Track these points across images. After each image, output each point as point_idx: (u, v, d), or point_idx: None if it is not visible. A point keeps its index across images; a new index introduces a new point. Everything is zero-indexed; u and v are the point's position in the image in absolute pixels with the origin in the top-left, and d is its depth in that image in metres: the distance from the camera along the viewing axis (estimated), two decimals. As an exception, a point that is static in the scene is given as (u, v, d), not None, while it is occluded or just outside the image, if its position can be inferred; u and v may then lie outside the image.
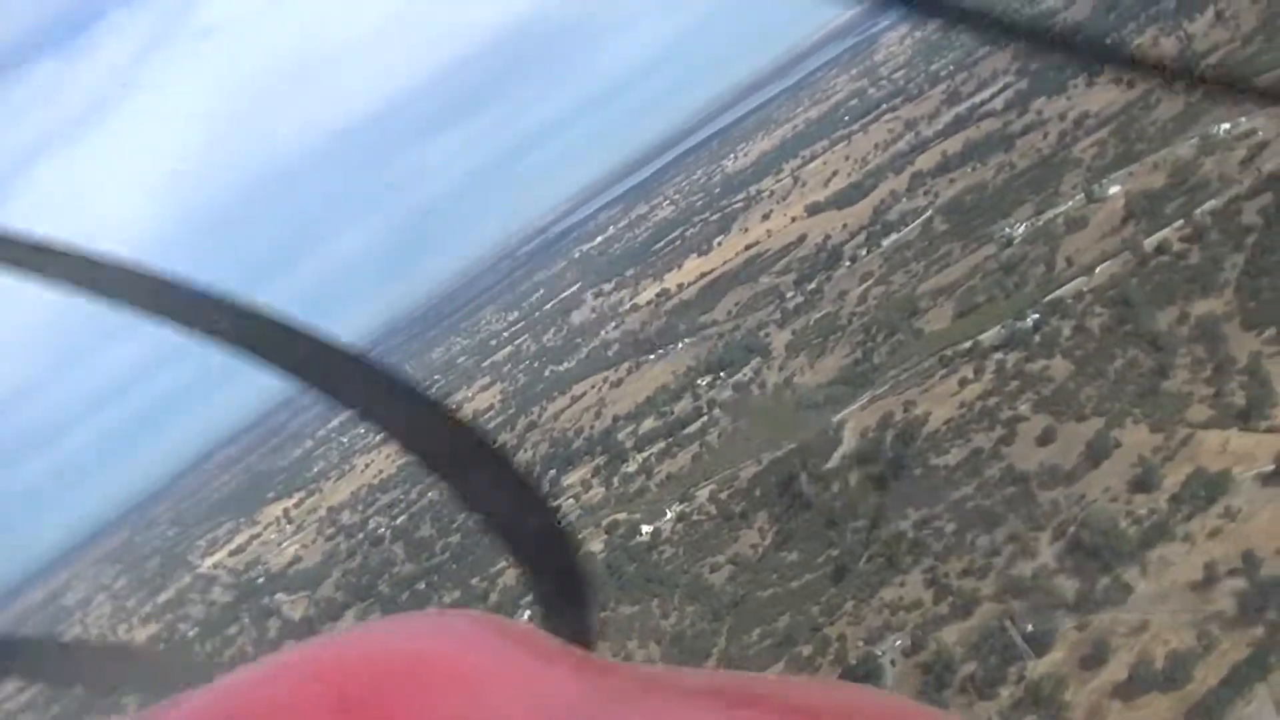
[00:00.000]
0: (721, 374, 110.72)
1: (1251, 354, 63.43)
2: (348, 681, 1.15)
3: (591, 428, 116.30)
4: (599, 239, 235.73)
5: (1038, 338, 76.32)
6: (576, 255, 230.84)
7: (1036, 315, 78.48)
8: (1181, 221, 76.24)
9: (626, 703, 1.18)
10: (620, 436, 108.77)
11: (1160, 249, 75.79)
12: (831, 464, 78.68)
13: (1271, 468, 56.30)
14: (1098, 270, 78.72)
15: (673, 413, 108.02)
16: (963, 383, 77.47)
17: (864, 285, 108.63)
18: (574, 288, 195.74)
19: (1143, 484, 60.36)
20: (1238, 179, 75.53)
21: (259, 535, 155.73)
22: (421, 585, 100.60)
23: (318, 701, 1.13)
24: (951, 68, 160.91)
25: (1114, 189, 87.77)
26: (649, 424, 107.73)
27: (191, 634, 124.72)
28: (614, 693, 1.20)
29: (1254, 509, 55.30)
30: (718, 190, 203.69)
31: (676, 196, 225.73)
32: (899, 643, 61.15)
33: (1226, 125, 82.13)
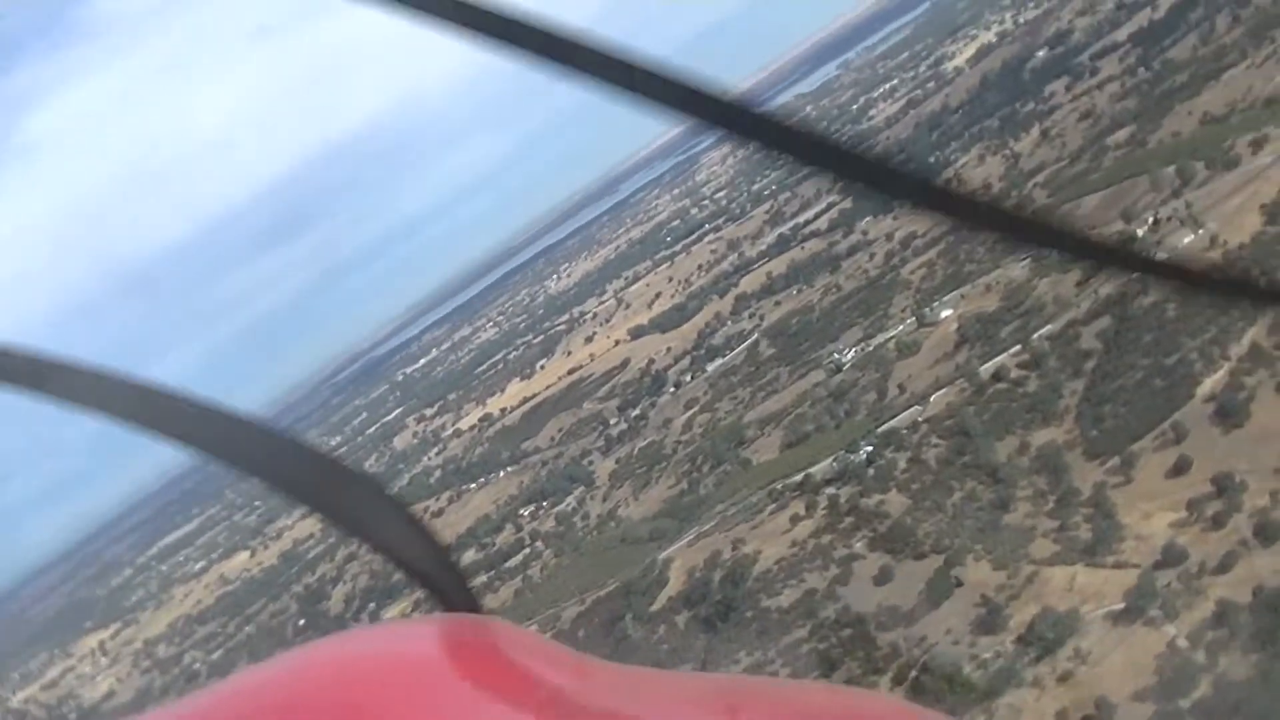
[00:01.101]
0: (544, 504, 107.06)
1: (1095, 485, 61.02)
2: (342, 685, 1.16)
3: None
4: (422, 361, 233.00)
5: (872, 471, 73.16)
6: (400, 378, 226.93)
7: (870, 447, 75.45)
8: (1018, 347, 74.16)
9: (620, 704, 1.20)
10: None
11: (997, 376, 73.53)
12: (658, 605, 74.36)
13: (1121, 606, 53.43)
14: (932, 399, 76.16)
15: (494, 544, 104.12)
16: (794, 519, 73.81)
17: (689, 412, 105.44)
18: (396, 412, 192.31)
19: (987, 625, 56.95)
20: (1074, 302, 73.77)
21: (73, 668, 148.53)
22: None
23: (312, 706, 1.14)
24: (774, 187, 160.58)
25: (945, 312, 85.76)
26: (470, 555, 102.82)
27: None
28: (608, 694, 1.21)
29: (1105, 650, 52.31)
30: (541, 312, 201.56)
31: (500, 318, 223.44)
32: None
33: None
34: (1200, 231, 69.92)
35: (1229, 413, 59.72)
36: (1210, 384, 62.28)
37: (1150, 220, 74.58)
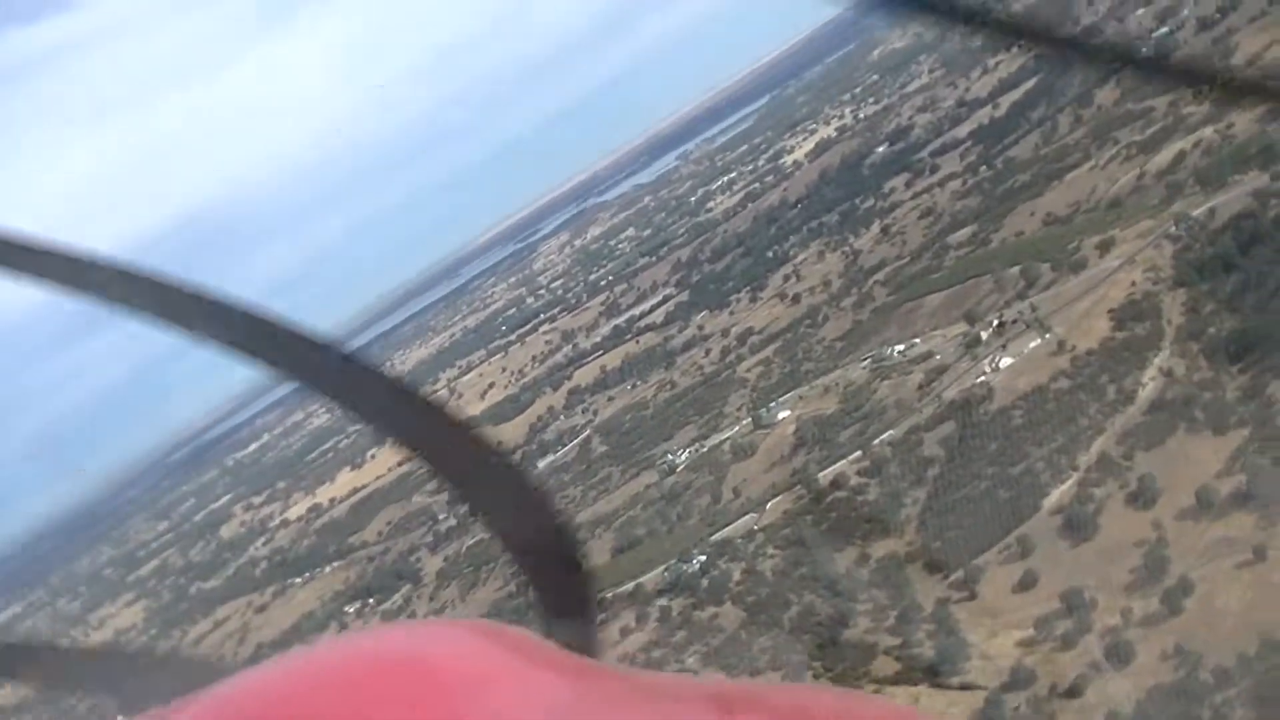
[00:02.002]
0: (370, 601, 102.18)
1: (938, 600, 58.03)
2: (347, 688, 1.19)
3: (235, 657, 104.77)
4: (253, 446, 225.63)
5: (705, 582, 69.50)
6: (230, 463, 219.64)
7: (703, 556, 71.83)
8: (858, 453, 71.24)
9: (622, 707, 1.24)
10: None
11: (836, 483, 70.42)
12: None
13: (971, 730, 50.67)
14: (768, 506, 72.81)
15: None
16: (624, 631, 69.67)
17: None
18: (225, 499, 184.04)
19: (825, 750, 53.26)
20: (916, 407, 71.22)
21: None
22: None
23: (317, 708, 1.17)
24: (611, 278, 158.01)
25: (783, 414, 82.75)
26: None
27: None
28: (610, 698, 1.25)
29: (953, 779, 49.54)
30: None
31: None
32: None
33: (900, 347, 78.42)
34: (1047, 336, 67.92)
35: (1077, 526, 57.53)
36: (1058, 495, 60.04)
37: (995, 323, 72.52)
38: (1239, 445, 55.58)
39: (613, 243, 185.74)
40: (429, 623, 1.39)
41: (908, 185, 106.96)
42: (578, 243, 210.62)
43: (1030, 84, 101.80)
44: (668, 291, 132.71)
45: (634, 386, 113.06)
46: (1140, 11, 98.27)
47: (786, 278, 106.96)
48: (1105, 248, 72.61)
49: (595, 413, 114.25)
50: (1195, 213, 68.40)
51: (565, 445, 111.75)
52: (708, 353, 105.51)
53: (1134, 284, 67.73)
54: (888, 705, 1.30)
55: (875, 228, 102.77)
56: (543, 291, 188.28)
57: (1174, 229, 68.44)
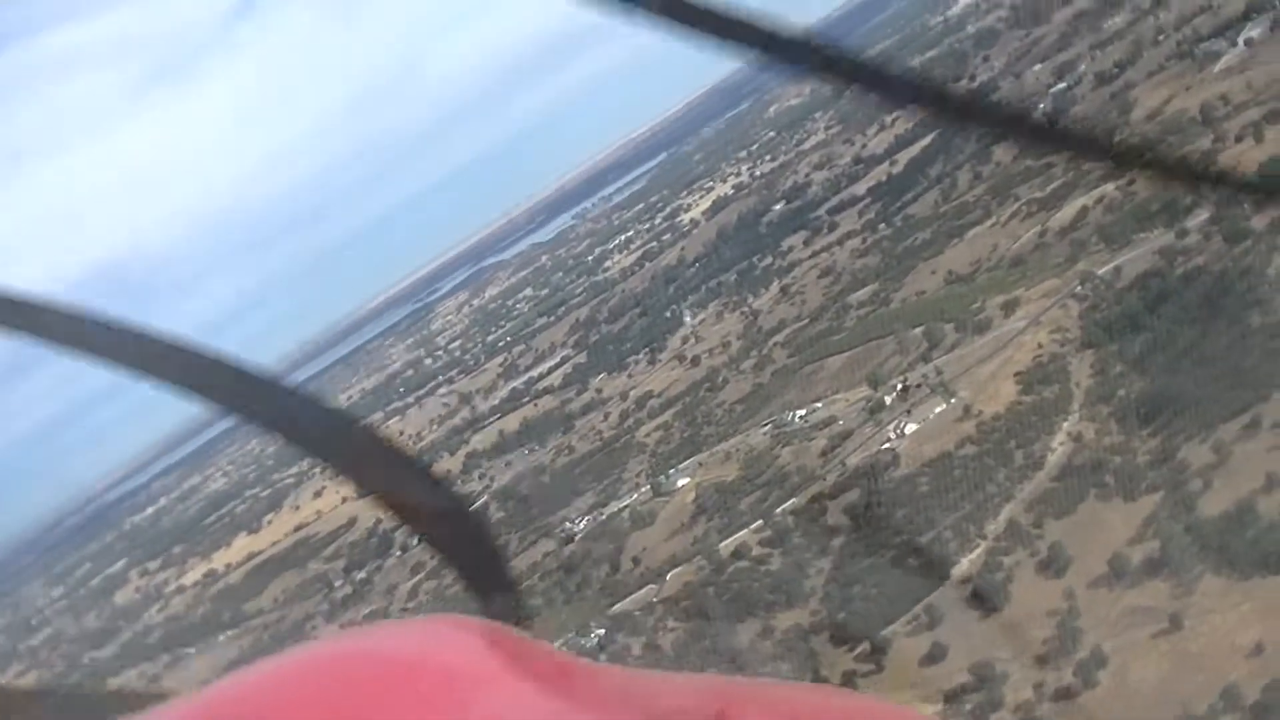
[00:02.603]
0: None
1: (844, 674, 55.73)
2: (336, 686, 1.20)
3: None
4: (150, 510, 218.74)
5: (604, 657, 66.67)
6: (127, 527, 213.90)
7: (602, 630, 69.19)
8: (760, 522, 68.93)
9: (616, 705, 1.24)
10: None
11: (737, 553, 68.04)
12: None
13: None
14: (669, 577, 70.27)
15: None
16: (519, 713, 66.84)
17: (415, 578, 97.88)
18: (120, 564, 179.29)
19: (726, 837, 50.66)
20: (819, 474, 69.05)
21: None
22: None
23: (306, 706, 1.17)
24: (509, 339, 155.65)
25: (682, 481, 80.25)
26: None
27: None
28: (604, 695, 1.26)
29: None
30: (271, 462, 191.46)
31: (230, 467, 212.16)
32: None
33: (801, 411, 76.27)
34: (952, 400, 66.07)
35: (987, 595, 55.60)
36: (966, 564, 58.16)
37: (899, 387, 70.60)
38: (1151, 511, 54.25)
39: (510, 302, 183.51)
40: (423, 620, 1.38)
41: (806, 243, 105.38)
42: (476, 302, 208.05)
43: (927, 140, 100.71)
44: (565, 353, 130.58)
45: (531, 451, 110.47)
46: (1038, 67, 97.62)
47: (685, 339, 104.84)
48: (1010, 308, 71.09)
49: (492, 479, 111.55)
50: (1100, 271, 67.12)
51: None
52: (606, 416, 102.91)
53: (1040, 345, 66.22)
54: (885, 705, 1.31)
55: (774, 287, 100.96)
56: (440, 353, 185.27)
57: (1079, 288, 67.06)
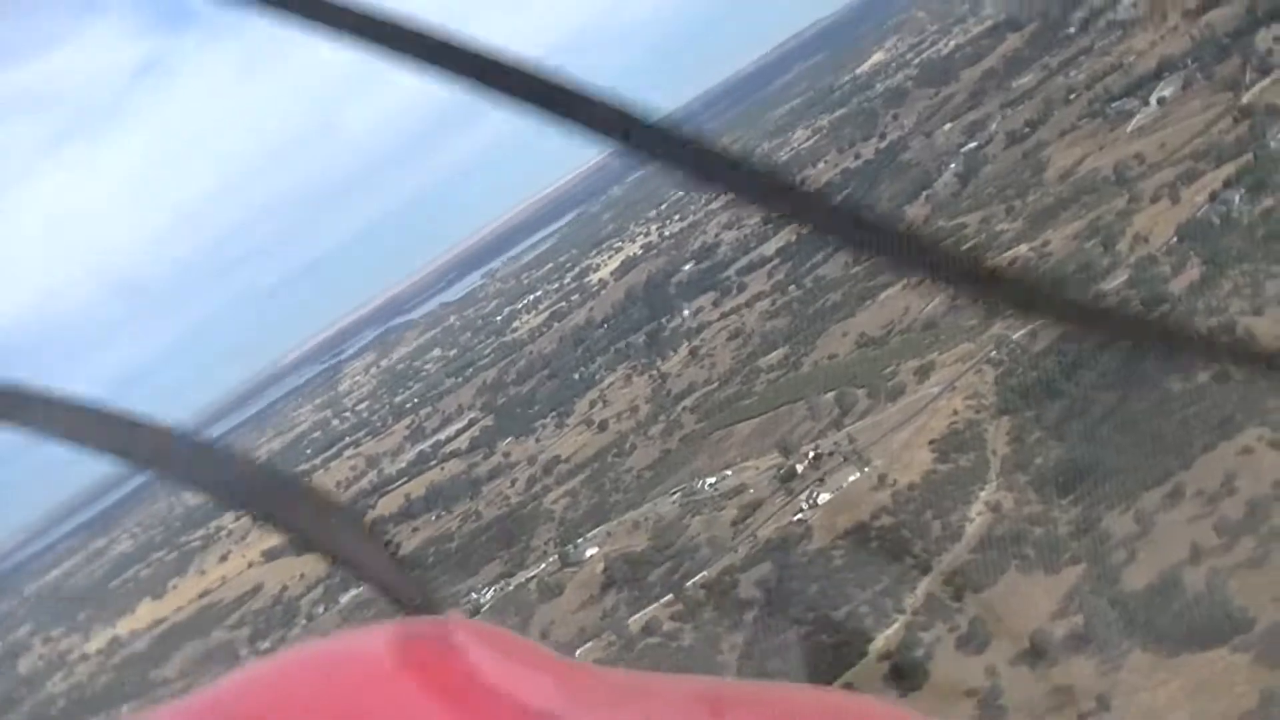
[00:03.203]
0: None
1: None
2: (317, 690, 1.20)
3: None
4: (55, 573, 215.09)
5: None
6: (30, 591, 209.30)
7: (507, 712, 65.77)
8: (671, 595, 66.11)
9: (606, 707, 1.24)
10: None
11: (648, 628, 65.13)
12: None
13: None
14: (578, 653, 67.10)
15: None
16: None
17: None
18: (23, 630, 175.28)
19: None
20: (731, 545, 66.40)
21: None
22: None
23: (296, 708, 1.17)
24: (416, 400, 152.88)
25: (591, 550, 77.35)
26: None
27: None
28: (598, 697, 1.25)
29: None
30: (178, 524, 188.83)
31: (137, 529, 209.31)
32: None
33: (711, 479, 73.69)
34: (866, 469, 63.64)
35: (906, 672, 52.88)
36: (884, 640, 55.42)
37: (810, 454, 68.12)
38: (1074, 584, 51.94)
39: (419, 363, 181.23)
40: (407, 621, 1.39)
41: (715, 304, 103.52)
42: (384, 363, 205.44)
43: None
44: (473, 415, 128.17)
45: (438, 517, 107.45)
46: (948, 126, 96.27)
47: (593, 403, 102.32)
48: (923, 373, 68.96)
49: (399, 545, 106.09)
50: (1015, 336, 65.07)
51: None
52: (513, 482, 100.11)
53: (955, 412, 64.04)
54: (880, 704, 1.30)
55: (683, 350, 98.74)
56: (348, 414, 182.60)
57: (994, 353, 64.98)
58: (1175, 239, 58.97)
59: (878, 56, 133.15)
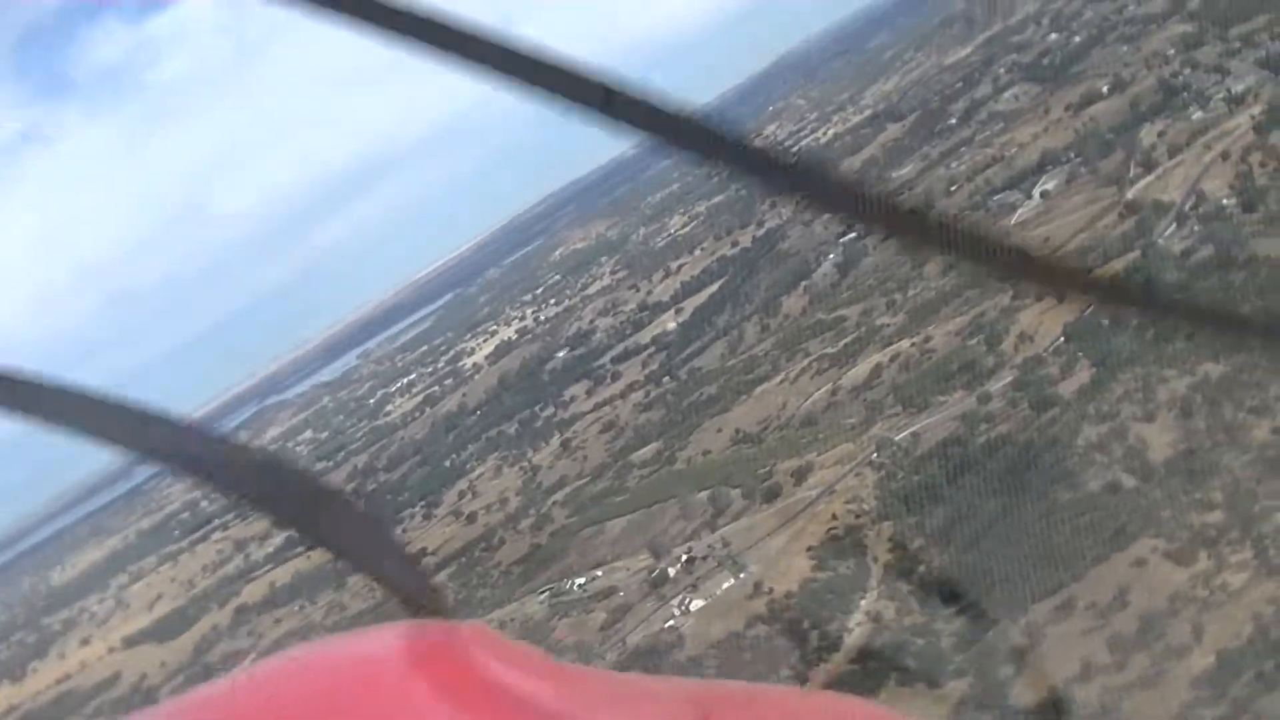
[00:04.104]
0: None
1: None
2: (324, 690, 1.19)
3: None
4: None
5: None
6: None
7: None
8: (536, 706, 61.61)
9: (601, 710, 1.24)
10: None
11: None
12: None
13: None
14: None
15: None
16: None
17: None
18: None
19: None
20: (599, 651, 62.16)
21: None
22: None
23: (303, 707, 1.17)
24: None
25: (455, 652, 72.79)
26: None
27: None
28: (589, 700, 1.25)
29: None
30: (42, 604, 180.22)
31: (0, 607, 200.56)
32: None
33: (580, 579, 69.43)
34: (741, 575, 59.74)
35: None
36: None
37: (683, 558, 64.11)
38: (958, 699, 48.48)
39: (290, 444, 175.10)
40: (404, 625, 1.38)
41: (589, 394, 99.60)
42: (256, 443, 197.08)
43: (714, 287, 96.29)
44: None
45: (302, 608, 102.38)
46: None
47: (462, 494, 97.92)
48: (801, 475, 65.20)
49: (260, 636, 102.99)
50: (897, 437, 61.58)
51: (228, 670, 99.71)
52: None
53: (835, 517, 60.33)
54: (870, 707, 1.31)
55: (555, 441, 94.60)
56: (217, 495, 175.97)
57: (875, 455, 61.49)
58: (1062, 339, 56.24)
59: (756, 144, 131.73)
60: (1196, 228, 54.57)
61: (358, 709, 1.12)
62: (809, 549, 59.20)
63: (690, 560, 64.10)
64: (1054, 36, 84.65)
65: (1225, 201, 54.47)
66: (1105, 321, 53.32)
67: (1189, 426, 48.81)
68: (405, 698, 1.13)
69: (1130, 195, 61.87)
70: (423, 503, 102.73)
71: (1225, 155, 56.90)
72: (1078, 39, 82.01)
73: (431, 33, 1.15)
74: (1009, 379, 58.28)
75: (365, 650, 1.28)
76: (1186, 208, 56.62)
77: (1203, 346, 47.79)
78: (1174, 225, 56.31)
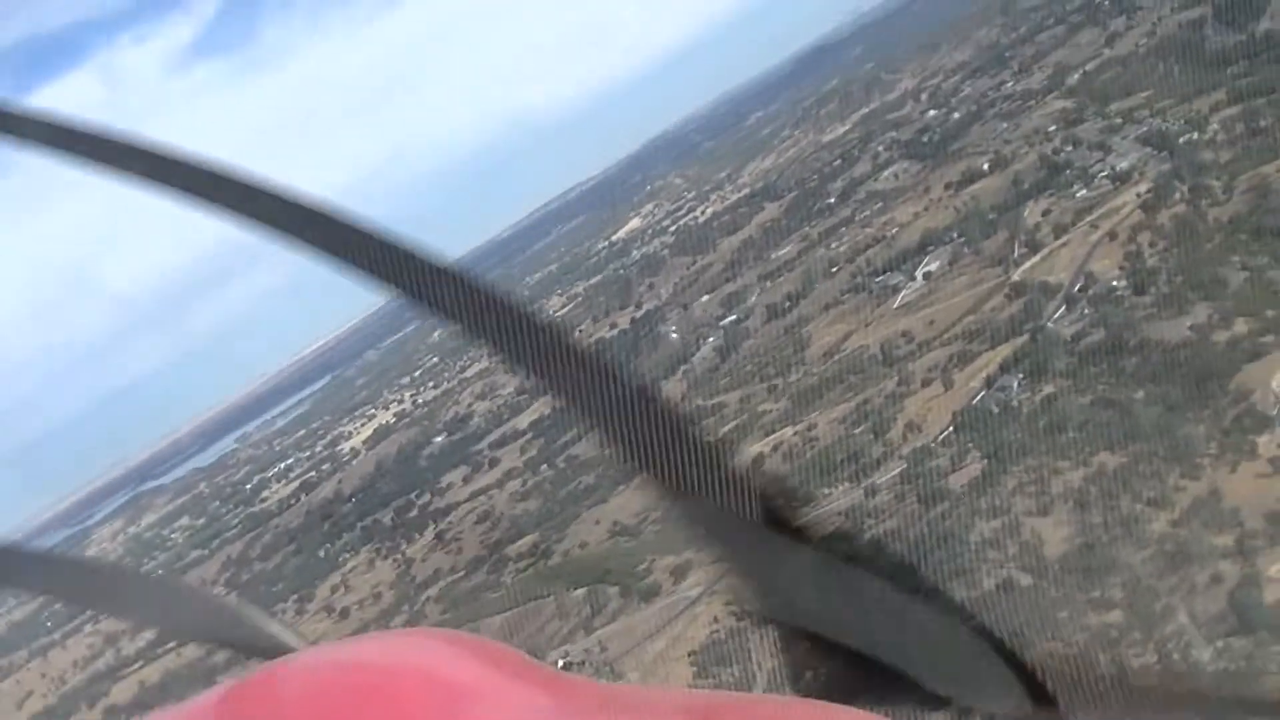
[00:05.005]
0: None
1: None
2: (323, 698, 1.20)
3: None
4: None
5: None
6: None
7: None
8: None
9: (595, 718, 1.25)
10: None
11: None
12: None
13: None
14: None
15: None
16: None
17: None
18: None
19: None
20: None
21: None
22: None
23: (331, 702, 1.18)
24: (160, 573, 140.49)
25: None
26: None
27: None
28: (588, 709, 1.26)
29: None
30: None
31: None
32: None
33: None
34: (619, 684, 55.45)
35: None
36: None
37: (559, 663, 59.72)
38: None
39: (166, 532, 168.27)
40: (402, 633, 1.38)
41: (466, 481, 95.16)
42: (132, 530, 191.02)
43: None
44: (216, 593, 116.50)
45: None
46: (705, 298, 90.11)
47: (335, 587, 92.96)
48: (680, 573, 61.12)
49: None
50: (778, 533, 58.06)
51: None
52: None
53: (716, 619, 56.22)
54: (868, 717, 1.30)
55: (430, 532, 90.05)
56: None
57: (758, 552, 57.81)
58: (952, 429, 52.93)
59: (634, 222, 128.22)
60: (1087, 310, 51.84)
61: (376, 714, 1.11)
62: (690, 654, 55.21)
63: (567, 666, 59.82)
64: (932, 113, 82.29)
65: (1115, 283, 51.85)
66: (995, 410, 50.24)
67: (1085, 520, 45.64)
68: (412, 708, 1.12)
69: (1016, 276, 59.12)
70: (295, 596, 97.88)
71: (1113, 235, 54.41)
72: (957, 115, 79.68)
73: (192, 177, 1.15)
74: (897, 471, 54.90)
75: (374, 658, 1.25)
76: (1075, 290, 53.98)
77: (1097, 436, 44.92)
78: (1063, 308, 53.59)
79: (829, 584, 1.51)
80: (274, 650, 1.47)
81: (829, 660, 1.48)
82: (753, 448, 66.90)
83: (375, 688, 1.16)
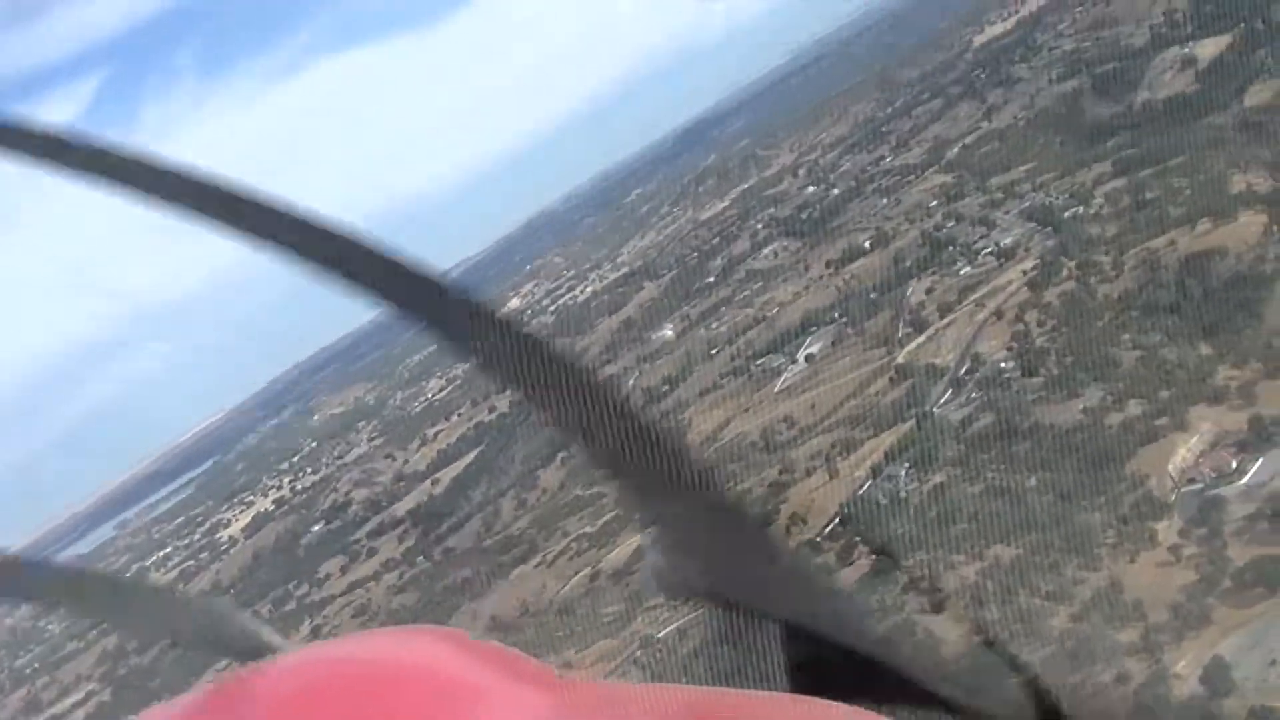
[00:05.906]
0: None
1: None
2: (321, 696, 1.19)
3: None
4: None
5: None
6: None
7: None
8: None
9: (594, 716, 1.23)
10: None
11: None
12: None
13: None
14: None
15: None
16: None
17: None
18: None
19: None
20: None
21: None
22: None
23: (290, 716, 1.17)
24: (36, 666, 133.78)
25: None
26: None
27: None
28: (587, 708, 1.25)
29: None
30: None
31: None
32: None
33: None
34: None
35: None
36: None
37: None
38: None
39: (43, 623, 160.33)
40: (400, 631, 1.38)
41: (343, 571, 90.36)
42: (8, 621, 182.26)
43: (470, 457, 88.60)
44: (91, 687, 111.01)
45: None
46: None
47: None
48: (566, 666, 57.29)
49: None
50: (661, 634, 53.41)
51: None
52: None
53: None
54: (867, 715, 1.30)
55: (305, 627, 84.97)
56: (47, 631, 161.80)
57: (640, 653, 53.39)
58: (838, 521, 49.47)
59: (514, 302, 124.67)
60: (975, 394, 48.76)
61: (373, 713, 1.10)
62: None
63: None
64: (811, 189, 79.60)
65: (1003, 364, 48.92)
66: (883, 500, 47.03)
67: (982, 617, 42.42)
68: (412, 707, 1.11)
69: (901, 358, 56.05)
70: (168, 694, 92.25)
71: (999, 313, 51.52)
72: (835, 191, 77.04)
73: (194, 194, 1.15)
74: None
75: (374, 656, 1.25)
76: (962, 372, 50.93)
77: (990, 527, 41.81)
78: (950, 391, 50.56)
79: (807, 581, 1.51)
80: (267, 654, 1.43)
81: (828, 659, 1.42)
82: (632, 539, 63.43)
83: (372, 685, 1.14)
